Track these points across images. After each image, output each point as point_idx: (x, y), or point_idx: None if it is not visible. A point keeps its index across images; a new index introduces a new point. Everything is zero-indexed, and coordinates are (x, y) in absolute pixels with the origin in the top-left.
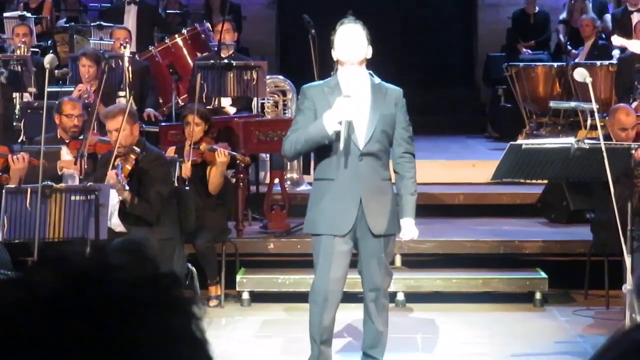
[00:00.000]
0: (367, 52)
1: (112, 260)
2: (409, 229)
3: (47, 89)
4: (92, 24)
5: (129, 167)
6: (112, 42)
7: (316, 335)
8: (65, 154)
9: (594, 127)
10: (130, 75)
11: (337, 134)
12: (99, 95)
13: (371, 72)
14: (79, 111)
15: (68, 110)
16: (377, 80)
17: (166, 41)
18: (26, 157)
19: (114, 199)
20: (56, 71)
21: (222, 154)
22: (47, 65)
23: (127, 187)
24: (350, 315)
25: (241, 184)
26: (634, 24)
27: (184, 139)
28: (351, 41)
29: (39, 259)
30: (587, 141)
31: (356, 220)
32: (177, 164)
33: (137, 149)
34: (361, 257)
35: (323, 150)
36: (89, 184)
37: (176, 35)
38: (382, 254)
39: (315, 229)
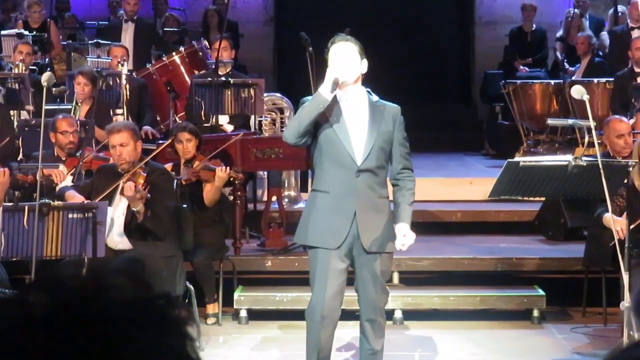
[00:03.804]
0: (362, 67)
1: (106, 281)
2: (404, 234)
3: (45, 107)
4: (89, 42)
5: (141, 180)
6: (109, 60)
7: (313, 353)
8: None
9: (591, 145)
10: (128, 93)
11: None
12: (92, 114)
13: (369, 90)
14: (74, 127)
15: (63, 127)
16: (375, 97)
17: (164, 59)
18: (6, 172)
19: (113, 216)
20: (54, 89)
21: (222, 170)
22: (44, 83)
23: (149, 195)
24: (347, 332)
25: (238, 201)
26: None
27: (178, 157)
28: (343, 62)
29: (34, 280)
30: (584, 158)
31: (352, 238)
32: (176, 181)
33: (142, 164)
34: (357, 275)
35: (321, 162)
36: (86, 201)
37: (174, 53)
38: (378, 271)
39: (306, 240)
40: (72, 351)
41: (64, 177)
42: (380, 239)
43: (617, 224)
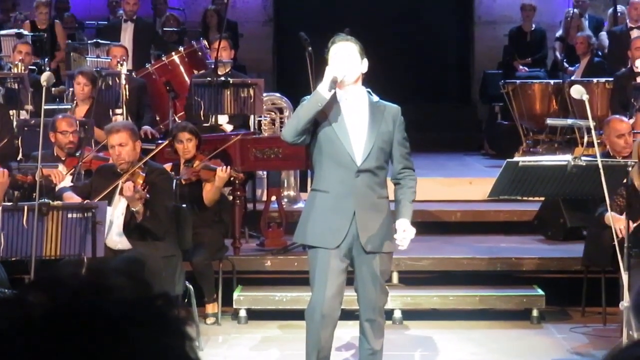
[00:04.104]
0: (362, 67)
1: (106, 281)
2: (404, 229)
3: (44, 107)
4: (89, 42)
5: (140, 180)
6: (108, 60)
7: (313, 352)
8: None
9: (590, 144)
10: (127, 93)
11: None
12: (92, 114)
13: (369, 90)
14: (74, 127)
15: (62, 127)
16: (375, 98)
17: (163, 59)
18: (5, 173)
19: (112, 216)
20: (53, 89)
21: (223, 170)
22: (44, 82)
23: (148, 196)
24: (347, 332)
25: (238, 201)
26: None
27: (178, 157)
28: (344, 62)
29: (34, 280)
30: (583, 158)
31: (352, 238)
32: (175, 181)
33: (141, 164)
34: (357, 275)
35: (320, 161)
36: (86, 201)
37: (173, 53)
38: (377, 271)
39: (305, 239)
40: (71, 351)
41: (62, 178)
42: (379, 238)
43: (619, 222)
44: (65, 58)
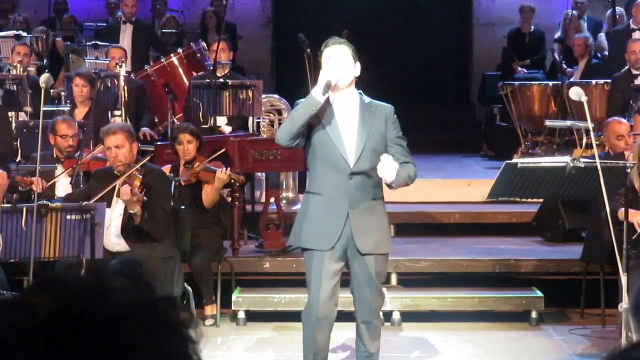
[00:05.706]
0: (355, 70)
1: (108, 283)
2: (387, 162)
3: (43, 108)
4: (87, 43)
5: (137, 182)
6: (107, 62)
7: (309, 354)
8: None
9: (589, 146)
10: (126, 95)
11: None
12: (91, 116)
13: (361, 91)
14: (74, 131)
15: (62, 130)
16: (367, 99)
17: (162, 60)
18: (4, 175)
19: (109, 218)
20: (51, 90)
21: (222, 172)
22: (42, 84)
23: (145, 198)
24: (343, 334)
25: (237, 202)
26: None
27: (178, 158)
28: (337, 65)
29: (36, 282)
30: (582, 160)
31: (346, 239)
32: (174, 183)
33: (138, 166)
34: (352, 277)
35: (314, 164)
36: (84, 203)
37: (172, 55)
38: (373, 273)
39: (300, 242)
40: (74, 353)
41: (43, 186)
42: (374, 240)
43: (637, 216)
44: (64, 59)
